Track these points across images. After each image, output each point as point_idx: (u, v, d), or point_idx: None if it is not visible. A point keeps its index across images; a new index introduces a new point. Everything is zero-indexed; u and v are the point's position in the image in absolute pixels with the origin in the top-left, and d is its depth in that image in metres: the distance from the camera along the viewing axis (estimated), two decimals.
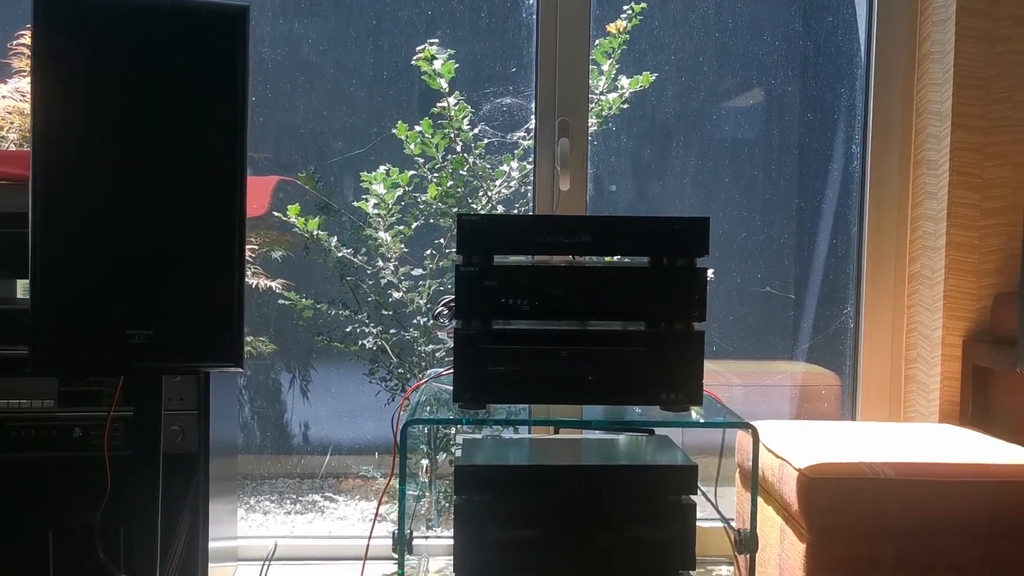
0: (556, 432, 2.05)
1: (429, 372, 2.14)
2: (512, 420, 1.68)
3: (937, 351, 2.37)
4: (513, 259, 1.71)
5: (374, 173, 2.50)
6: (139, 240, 1.34)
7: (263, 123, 2.64)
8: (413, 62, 2.46)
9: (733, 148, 2.68)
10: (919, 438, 2.04)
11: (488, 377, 1.61)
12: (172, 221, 1.34)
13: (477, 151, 2.55)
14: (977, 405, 2.29)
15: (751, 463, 2.07)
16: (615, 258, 1.94)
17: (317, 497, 2.86)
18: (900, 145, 2.50)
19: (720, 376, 2.76)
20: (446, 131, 2.51)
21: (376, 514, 1.97)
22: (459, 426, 2.06)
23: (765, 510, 2.01)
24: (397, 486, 1.61)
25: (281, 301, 2.58)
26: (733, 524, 2.08)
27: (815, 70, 2.67)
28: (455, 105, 2.48)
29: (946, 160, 2.34)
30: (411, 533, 1.65)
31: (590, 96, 2.51)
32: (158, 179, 1.34)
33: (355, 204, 2.54)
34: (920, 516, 1.74)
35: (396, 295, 2.57)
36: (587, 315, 1.64)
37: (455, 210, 2.56)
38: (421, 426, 2.30)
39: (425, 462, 2.24)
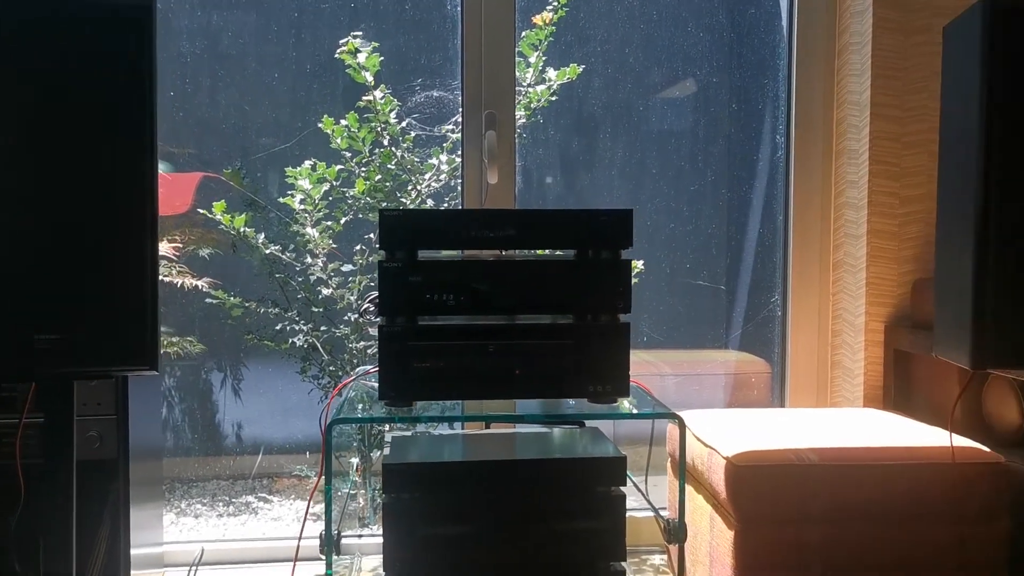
0: (488, 427, 2.04)
1: (358, 369, 2.11)
2: (437, 417, 1.66)
3: (861, 337, 2.41)
4: (438, 254, 1.69)
5: (299, 168, 2.45)
6: (46, 243, 1.30)
7: (183, 118, 2.58)
8: (337, 55, 2.42)
9: (660, 139, 2.70)
10: (844, 423, 2.07)
11: (414, 374, 1.59)
12: (80, 222, 1.30)
13: (405, 145, 2.52)
14: (899, 389, 2.34)
15: (679, 452, 2.09)
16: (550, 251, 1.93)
17: (251, 498, 2.81)
18: (822, 135, 2.55)
19: (653, 366, 2.78)
20: (373, 125, 2.48)
21: (306, 514, 1.94)
22: (387, 424, 2.04)
23: (696, 498, 2.03)
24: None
25: (208, 300, 2.53)
26: (665, 513, 2.09)
27: (739, 61, 2.69)
28: (381, 98, 2.45)
29: (866, 149, 2.39)
30: (339, 533, 1.63)
31: (518, 88, 2.50)
32: (64, 180, 1.29)
33: (281, 200, 2.50)
34: (844, 500, 1.77)
35: (326, 292, 2.53)
36: (513, 309, 1.64)
37: (384, 204, 2.53)
38: (352, 424, 2.28)
39: (356, 460, 2.22)
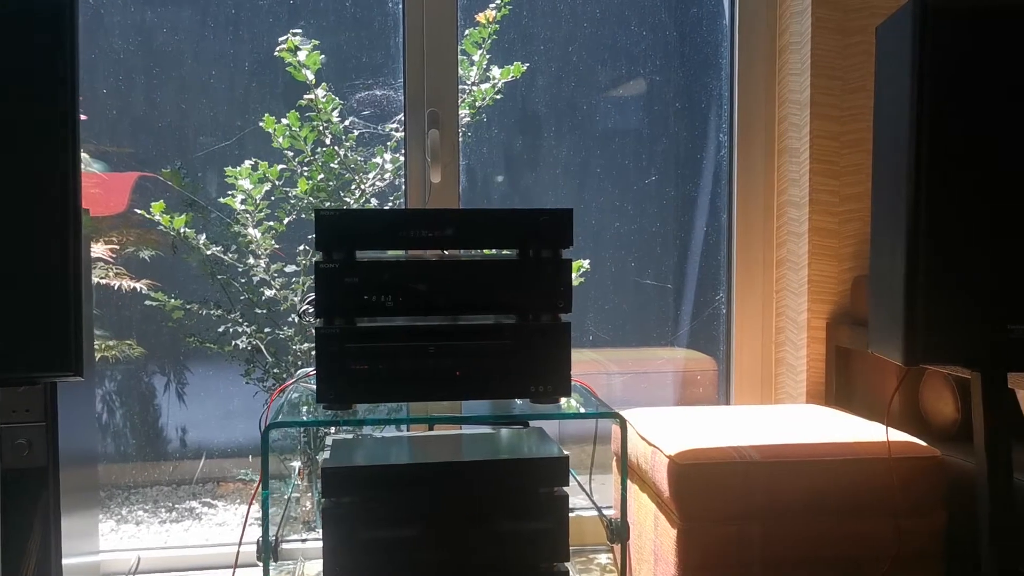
0: (432, 429, 2.02)
1: (299, 372, 2.08)
2: (375, 419, 1.64)
3: (803, 334, 2.44)
4: (377, 255, 1.67)
5: (239, 168, 2.41)
6: None
7: (117, 116, 2.52)
8: (276, 53, 2.39)
9: (605, 138, 2.70)
10: (786, 420, 2.09)
11: (352, 376, 1.57)
12: None
13: (348, 144, 2.49)
14: (840, 385, 2.37)
15: (627, 451, 2.09)
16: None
17: (194, 503, 2.77)
18: (764, 134, 2.57)
19: (600, 365, 2.78)
20: (315, 124, 2.45)
21: (246, 520, 1.90)
22: (326, 427, 2.01)
23: (640, 497, 2.03)
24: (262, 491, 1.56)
25: (148, 302, 2.48)
26: (610, 512, 2.09)
27: (682, 60, 2.70)
28: (323, 97, 2.42)
29: (806, 148, 2.41)
30: (277, 539, 1.60)
31: (463, 87, 2.48)
32: None
33: (222, 200, 2.46)
34: (785, 497, 1.78)
35: (269, 293, 2.50)
36: (453, 310, 1.62)
37: (327, 204, 2.50)
38: (295, 428, 2.24)
39: (297, 463, 2.18)
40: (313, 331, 2.42)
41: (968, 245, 1.42)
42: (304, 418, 1.68)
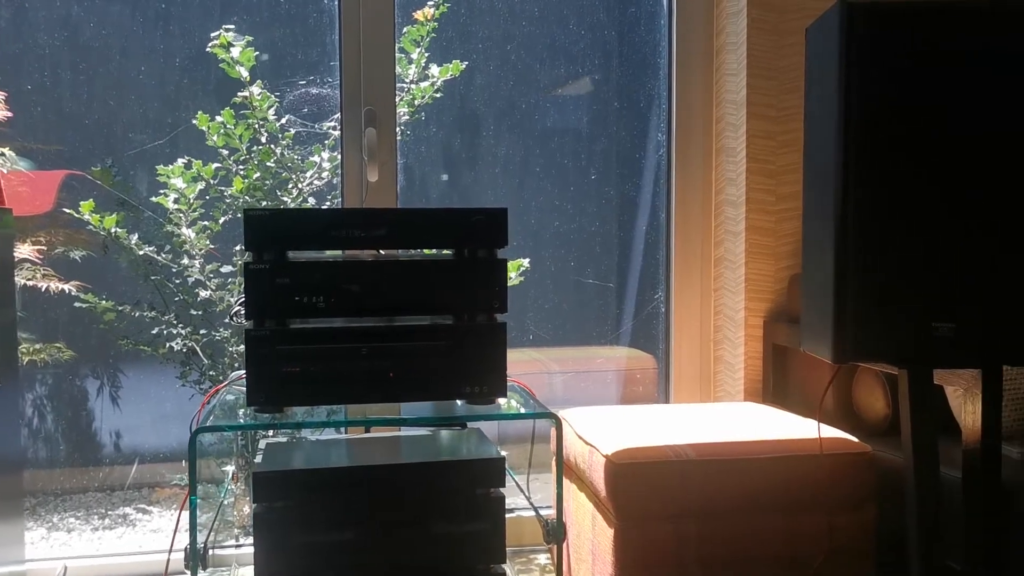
0: (368, 431, 2.00)
1: (232, 375, 2.04)
2: (306, 422, 1.62)
3: (741, 332, 2.46)
4: (316, 255, 1.65)
5: (172, 166, 2.36)
6: None
7: (42, 113, 2.45)
8: (208, 49, 2.34)
9: (544, 137, 2.69)
10: (723, 418, 2.10)
11: (284, 379, 1.54)
12: None
13: (285, 142, 2.46)
14: (777, 382, 2.39)
15: (565, 451, 2.09)
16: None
17: (128, 509, 2.71)
18: (702, 133, 2.58)
19: (541, 364, 2.78)
20: (250, 122, 2.40)
21: (176, 527, 1.86)
22: (257, 431, 1.98)
23: (579, 497, 2.03)
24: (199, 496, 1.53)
25: (78, 304, 2.42)
26: (548, 513, 2.09)
27: (620, 60, 2.71)
28: (258, 94, 2.38)
29: (743, 148, 2.43)
30: (206, 545, 1.57)
31: (401, 85, 2.46)
32: None
33: (154, 200, 2.40)
34: (720, 495, 1.79)
35: (204, 294, 2.45)
36: (387, 310, 1.60)
37: (264, 203, 2.46)
38: (225, 432, 2.20)
39: (231, 468, 2.15)
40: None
41: (895, 245, 1.44)
42: (241, 421, 1.65)
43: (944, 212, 1.44)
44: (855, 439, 1.89)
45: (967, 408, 1.58)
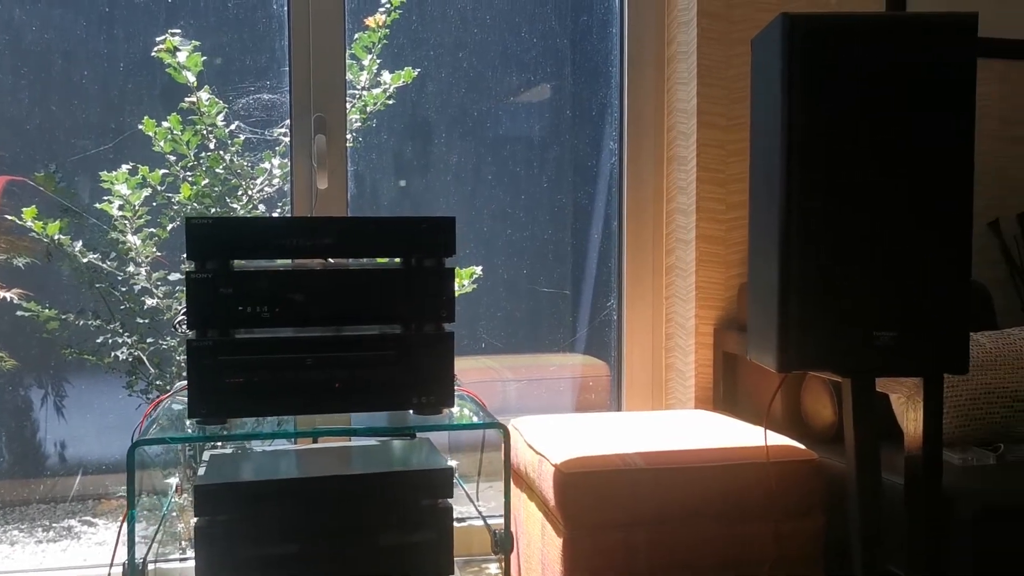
0: (315, 441, 1.98)
1: (176, 385, 2.01)
2: (249, 434, 1.59)
3: (692, 339, 2.47)
4: (268, 263, 1.63)
5: (115, 172, 2.32)
6: None
7: None
8: (154, 54, 2.30)
9: (496, 145, 2.69)
10: (673, 425, 2.11)
11: (227, 390, 1.52)
12: None
13: (234, 148, 2.42)
14: (727, 389, 2.41)
15: (516, 461, 2.09)
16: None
17: (73, 522, 2.65)
18: (654, 141, 2.60)
19: (495, 372, 2.77)
20: (198, 127, 2.37)
21: (117, 541, 1.82)
22: (201, 443, 1.95)
23: (529, 506, 2.03)
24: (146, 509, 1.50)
25: (20, 312, 2.36)
26: (499, 522, 2.08)
27: (573, 68, 2.72)
28: (206, 100, 2.34)
29: (693, 156, 2.45)
30: (145, 561, 1.53)
31: (353, 92, 2.44)
32: None
33: (98, 206, 2.36)
34: (669, 503, 1.80)
35: (151, 302, 2.41)
36: (333, 320, 1.59)
37: (213, 210, 2.42)
38: (166, 444, 2.17)
39: (173, 480, 2.11)
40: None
41: (838, 254, 1.45)
42: (188, 432, 1.62)
43: (886, 222, 1.46)
44: (802, 446, 1.91)
45: (909, 415, 1.60)
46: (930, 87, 1.44)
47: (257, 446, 1.97)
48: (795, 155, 1.44)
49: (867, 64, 1.44)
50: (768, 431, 1.92)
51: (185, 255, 2.40)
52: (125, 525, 1.46)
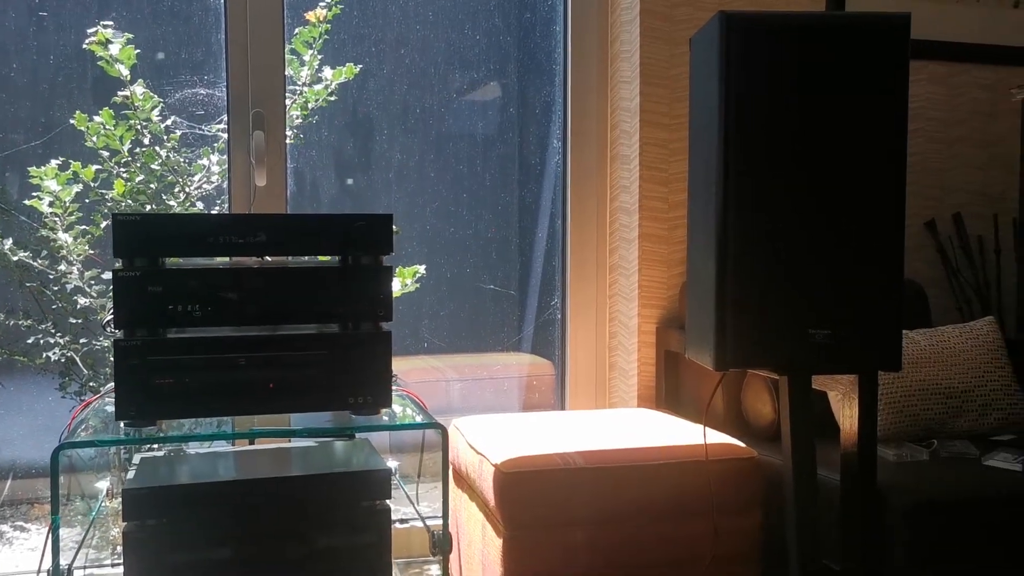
0: (252, 443, 1.94)
1: (107, 386, 1.96)
2: (178, 436, 1.55)
3: (634, 338, 2.47)
4: (206, 262, 1.59)
5: (44, 168, 2.25)
6: None
7: None
8: (86, 46, 2.24)
9: (438, 142, 2.66)
10: (615, 424, 2.11)
11: (156, 391, 1.48)
12: None
13: (170, 144, 2.37)
14: (669, 388, 2.41)
15: (457, 461, 2.07)
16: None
17: (4, 527, 2.58)
18: (597, 140, 2.59)
19: (439, 371, 2.75)
20: (132, 122, 2.31)
21: (44, 546, 1.77)
22: (125, 446, 1.91)
23: (470, 507, 2.01)
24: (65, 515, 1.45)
25: None
26: (439, 523, 2.06)
27: (516, 65, 2.71)
28: (140, 94, 2.29)
29: (636, 155, 2.45)
30: (70, 567, 1.49)
31: (294, 88, 2.41)
32: None
33: (27, 203, 2.29)
34: (609, 502, 1.79)
35: (84, 301, 2.35)
36: (267, 319, 1.55)
37: (149, 207, 2.37)
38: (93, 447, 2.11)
39: (103, 484, 2.06)
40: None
41: (774, 254, 1.46)
42: (121, 435, 1.57)
43: (822, 222, 1.47)
44: (742, 444, 1.92)
45: (845, 412, 1.61)
46: (864, 87, 1.45)
47: (193, 448, 1.93)
48: (731, 154, 1.44)
49: (803, 63, 1.44)
50: (708, 429, 1.93)
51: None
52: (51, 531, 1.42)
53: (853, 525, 1.63)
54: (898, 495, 1.66)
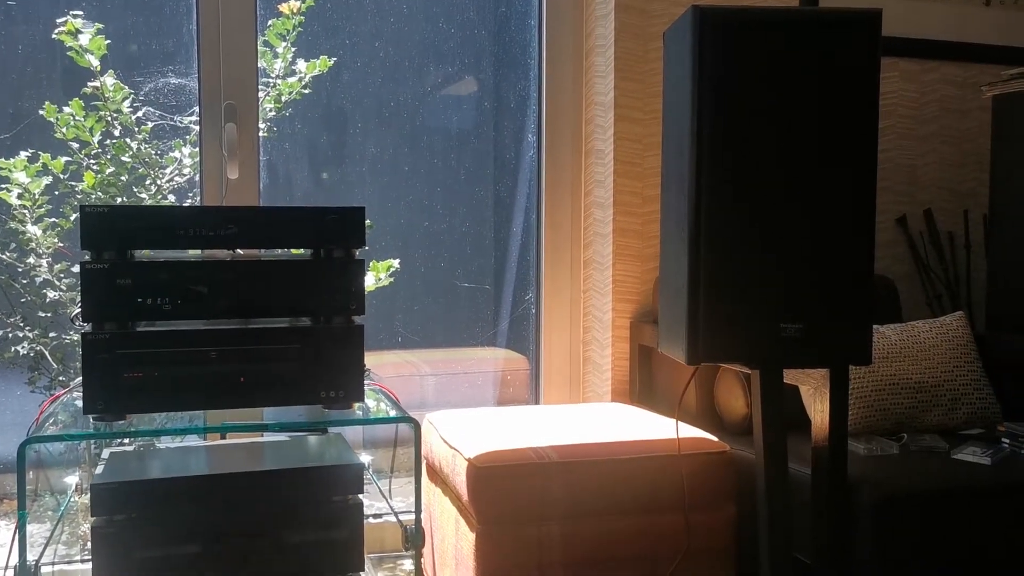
0: (224, 437, 1.93)
1: (75, 381, 1.94)
2: (148, 431, 1.54)
3: (608, 333, 2.48)
4: (178, 254, 1.57)
5: (13, 160, 2.22)
6: None
7: None
8: (55, 36, 2.21)
9: (413, 136, 2.65)
10: (588, 419, 2.11)
11: (125, 385, 1.46)
12: None
13: (141, 136, 2.34)
14: (643, 382, 2.42)
15: (430, 456, 2.06)
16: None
17: None
18: (572, 135, 2.59)
19: (412, 367, 2.74)
20: (102, 113, 2.28)
21: (12, 542, 1.75)
22: (94, 441, 1.89)
23: (443, 501, 2.00)
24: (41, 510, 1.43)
25: None
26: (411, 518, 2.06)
27: (492, 59, 2.70)
28: (111, 85, 2.26)
29: (611, 149, 2.45)
30: (37, 563, 1.47)
31: (268, 80, 2.39)
32: None
33: None
34: (582, 497, 1.79)
35: (53, 295, 2.32)
36: (238, 312, 1.54)
37: (120, 200, 2.34)
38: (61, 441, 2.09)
39: (73, 479, 2.03)
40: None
41: (746, 248, 1.46)
42: (91, 429, 1.55)
43: (793, 216, 1.47)
44: (714, 438, 1.93)
45: (816, 407, 1.62)
46: (836, 82, 1.46)
47: (164, 443, 1.91)
48: (704, 149, 1.45)
49: (775, 58, 1.45)
50: (681, 424, 1.93)
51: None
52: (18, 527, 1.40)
53: (823, 518, 1.64)
54: (868, 488, 1.67)
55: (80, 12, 2.21)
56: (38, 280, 2.32)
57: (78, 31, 2.19)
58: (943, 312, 2.67)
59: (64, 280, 2.33)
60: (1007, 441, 1.96)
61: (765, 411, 1.53)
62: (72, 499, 2.09)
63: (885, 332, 2.12)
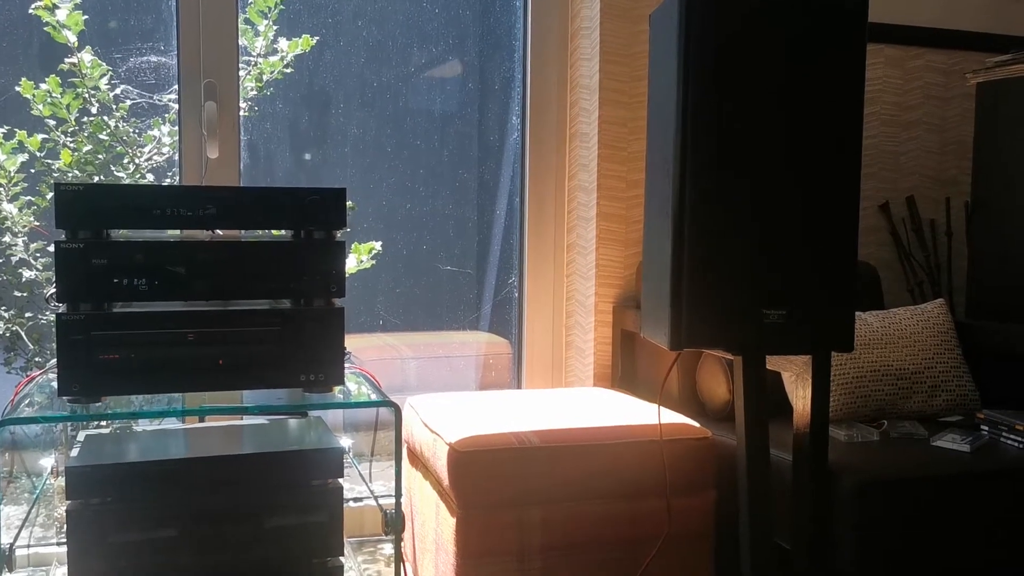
0: (202, 420, 1.91)
1: (51, 362, 1.91)
2: (123, 413, 1.51)
3: (591, 317, 2.47)
4: (156, 234, 1.55)
5: None
6: None
7: None
8: (32, 11, 2.17)
9: (396, 117, 2.62)
10: (570, 403, 2.10)
11: (100, 367, 1.44)
12: None
13: (119, 114, 2.30)
14: (625, 367, 2.42)
15: (411, 440, 2.05)
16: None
17: None
18: (556, 118, 2.57)
19: (394, 350, 2.72)
20: (79, 90, 2.24)
21: None
22: (69, 423, 1.86)
23: (424, 486, 2.00)
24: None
25: None
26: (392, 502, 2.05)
27: (476, 40, 2.67)
28: (89, 62, 2.22)
29: (595, 133, 2.43)
30: (12, 545, 1.45)
31: (249, 59, 2.35)
32: None
33: None
34: (563, 481, 1.79)
35: (29, 274, 2.28)
36: (217, 294, 1.52)
37: (97, 178, 2.31)
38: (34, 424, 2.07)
39: (48, 461, 2.01)
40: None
41: (729, 234, 1.46)
42: (67, 411, 1.53)
43: (777, 203, 1.47)
44: (696, 424, 1.92)
45: (798, 393, 1.62)
46: (821, 66, 1.45)
47: (141, 425, 1.89)
48: (689, 132, 1.43)
49: (761, 41, 1.44)
50: (663, 409, 1.93)
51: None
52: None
53: (804, 504, 1.64)
54: (848, 475, 1.67)
55: None
56: (14, 259, 2.29)
57: (55, 6, 2.15)
58: (924, 299, 2.68)
59: (40, 259, 2.29)
60: (986, 428, 1.97)
61: (747, 397, 1.53)
62: (48, 481, 2.06)
63: (867, 319, 2.12)
